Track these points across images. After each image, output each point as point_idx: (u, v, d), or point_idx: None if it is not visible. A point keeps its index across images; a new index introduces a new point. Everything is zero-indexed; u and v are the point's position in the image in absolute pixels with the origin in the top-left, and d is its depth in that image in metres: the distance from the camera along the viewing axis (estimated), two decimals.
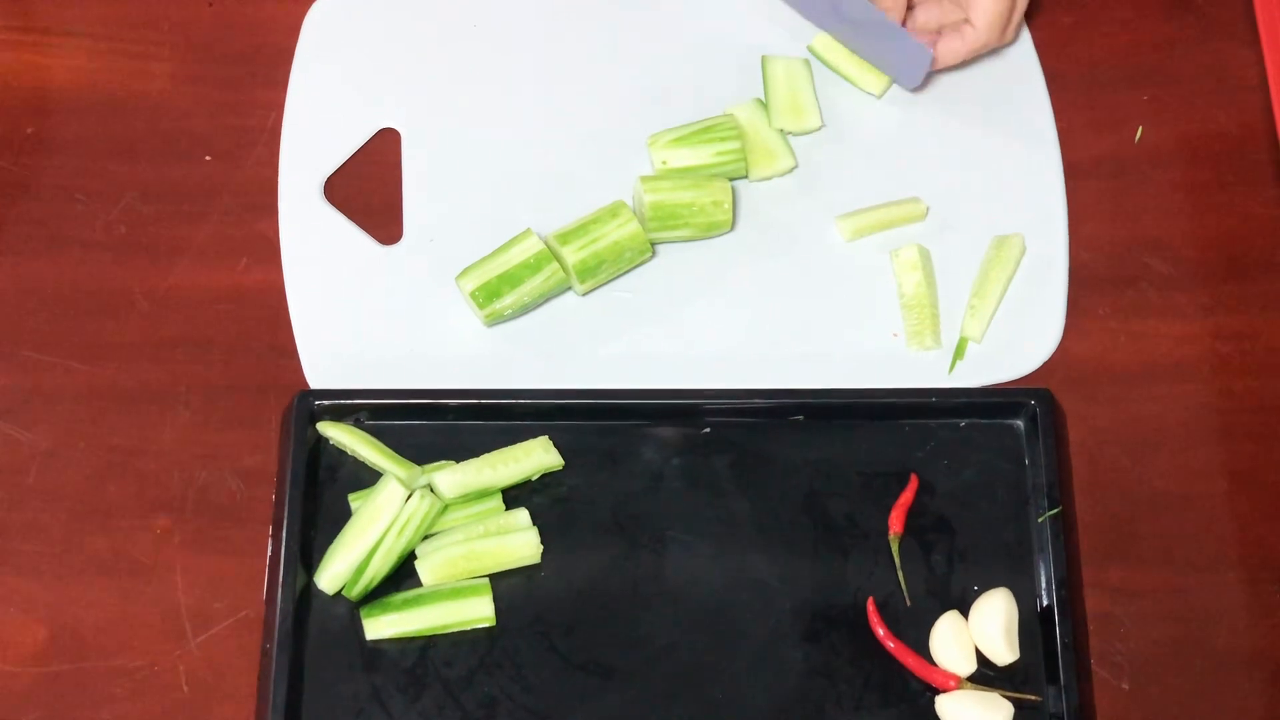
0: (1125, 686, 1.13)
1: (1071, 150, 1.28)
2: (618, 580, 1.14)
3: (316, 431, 1.17)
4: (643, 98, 1.29)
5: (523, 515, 1.15)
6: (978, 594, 1.14)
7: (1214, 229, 1.26)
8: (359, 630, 1.12)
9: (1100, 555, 1.16)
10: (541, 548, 1.14)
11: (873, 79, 1.28)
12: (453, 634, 1.13)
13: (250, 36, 1.31)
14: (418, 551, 1.14)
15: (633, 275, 1.23)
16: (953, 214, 1.26)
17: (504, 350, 1.21)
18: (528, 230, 1.20)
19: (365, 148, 1.28)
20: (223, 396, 1.19)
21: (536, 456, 1.16)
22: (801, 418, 1.18)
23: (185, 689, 1.12)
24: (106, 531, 1.16)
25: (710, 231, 1.24)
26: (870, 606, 1.13)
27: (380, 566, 1.12)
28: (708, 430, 1.18)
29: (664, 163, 1.24)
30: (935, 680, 1.11)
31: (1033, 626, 1.13)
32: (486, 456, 1.16)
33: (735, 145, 1.23)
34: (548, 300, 1.22)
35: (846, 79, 1.29)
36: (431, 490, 1.15)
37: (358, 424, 1.18)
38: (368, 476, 1.16)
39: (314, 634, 1.12)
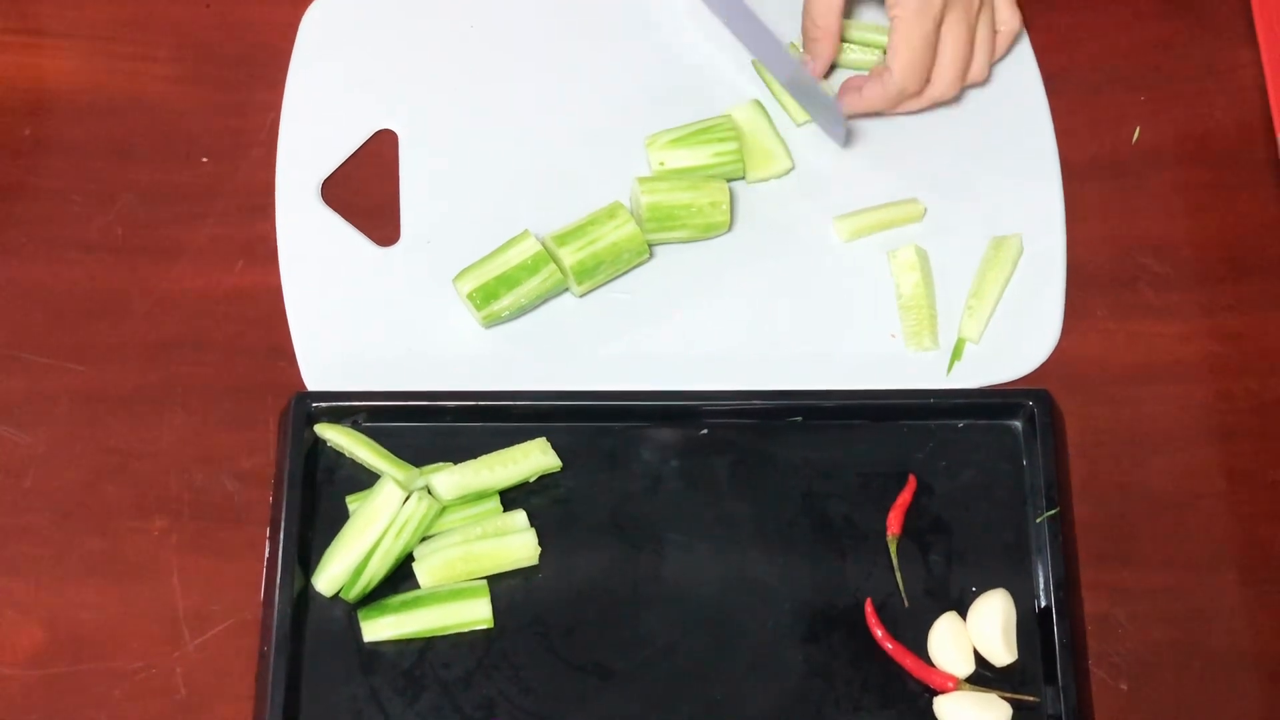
0: (1123, 687, 1.13)
1: (1069, 151, 1.28)
2: (616, 582, 1.14)
3: (314, 433, 1.17)
4: (640, 99, 1.29)
5: (521, 517, 1.15)
6: (976, 595, 1.14)
7: (1212, 229, 1.26)
8: (357, 632, 1.12)
9: (1098, 556, 1.16)
10: (539, 549, 1.14)
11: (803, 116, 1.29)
12: (451, 636, 1.13)
13: (247, 38, 1.31)
14: (415, 553, 1.14)
15: (631, 276, 1.23)
16: (950, 215, 1.26)
17: (502, 351, 1.21)
18: (525, 232, 1.20)
19: (362, 149, 1.28)
20: (220, 398, 1.19)
21: (534, 458, 1.16)
22: (800, 419, 1.18)
23: (183, 691, 1.12)
24: (104, 533, 1.15)
25: (708, 232, 1.23)
26: (868, 607, 1.13)
27: (378, 568, 1.12)
28: (706, 431, 1.18)
29: (661, 163, 1.23)
30: (933, 681, 1.11)
31: (1031, 627, 1.13)
32: (484, 458, 1.15)
33: (733, 146, 1.23)
34: (545, 301, 1.22)
35: (780, 103, 1.28)
36: (429, 492, 1.14)
37: (355, 426, 1.17)
38: (365, 478, 1.16)
39: (312, 636, 1.12)
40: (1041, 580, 1.14)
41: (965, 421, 1.18)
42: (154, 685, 1.12)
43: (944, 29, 1.22)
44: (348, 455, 1.17)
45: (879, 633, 1.12)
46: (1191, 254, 1.25)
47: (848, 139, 1.27)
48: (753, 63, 1.30)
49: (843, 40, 1.28)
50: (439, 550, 1.14)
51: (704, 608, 1.13)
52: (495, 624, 1.13)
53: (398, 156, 1.27)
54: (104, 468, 1.17)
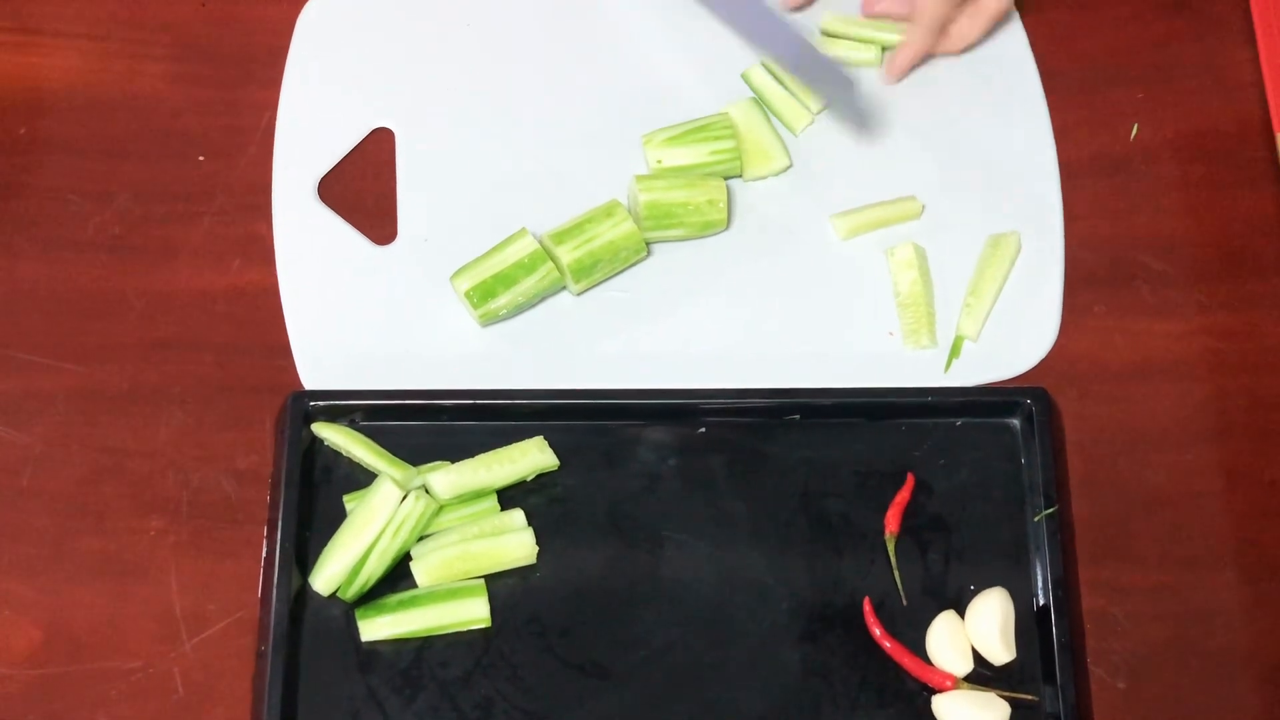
0: (1121, 685, 1.13)
1: (1067, 148, 1.28)
2: (614, 581, 1.14)
3: (311, 432, 1.17)
4: (637, 96, 1.29)
5: (518, 516, 1.15)
6: (974, 593, 1.14)
7: (1209, 227, 1.25)
8: (354, 632, 1.12)
9: (1096, 554, 1.16)
10: (537, 548, 1.14)
11: (798, 113, 1.27)
12: (448, 635, 1.12)
13: (243, 36, 1.31)
14: (413, 552, 1.14)
15: (628, 274, 1.23)
16: (948, 212, 1.26)
17: (499, 350, 1.21)
18: (522, 230, 1.20)
19: (359, 147, 1.28)
20: (217, 397, 1.19)
21: (532, 457, 1.16)
22: (797, 417, 1.18)
23: (180, 691, 1.11)
24: (100, 533, 1.15)
25: (705, 230, 1.23)
26: (866, 606, 1.13)
27: (375, 568, 1.12)
28: (703, 430, 1.18)
29: (659, 161, 1.23)
30: (932, 680, 1.11)
31: (1029, 626, 1.13)
32: (482, 457, 1.15)
33: (730, 144, 1.23)
34: (543, 300, 1.22)
35: (774, 113, 1.28)
36: (427, 491, 1.14)
37: (352, 425, 1.17)
38: (363, 477, 1.16)
39: (309, 636, 1.12)
40: (1039, 579, 1.14)
41: (963, 420, 1.18)
42: (151, 685, 1.12)
43: None
44: (345, 454, 1.17)
45: (877, 631, 1.12)
46: (1189, 252, 1.25)
47: (859, 110, 1.26)
48: (748, 72, 1.29)
49: (841, 37, 1.28)
50: (436, 549, 1.13)
51: (702, 606, 1.13)
52: (493, 623, 1.13)
53: (394, 155, 1.27)
54: (101, 467, 1.17)
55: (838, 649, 1.13)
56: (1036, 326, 1.22)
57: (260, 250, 1.24)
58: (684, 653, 1.12)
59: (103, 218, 1.25)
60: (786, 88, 1.28)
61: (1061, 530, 1.14)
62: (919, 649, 1.12)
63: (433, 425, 1.17)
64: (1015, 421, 1.18)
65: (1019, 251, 1.24)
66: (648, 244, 1.23)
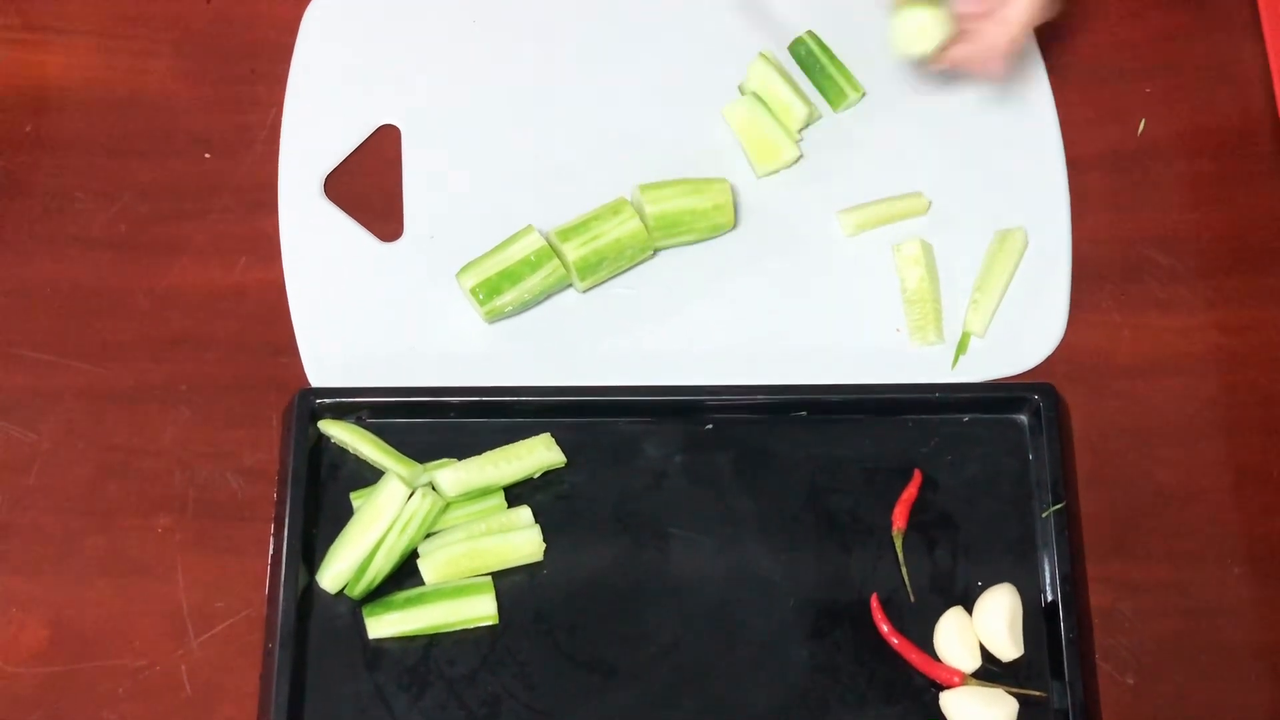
0: (1130, 681, 1.13)
1: (1074, 143, 1.28)
2: (621, 578, 1.14)
3: (318, 430, 1.17)
4: (644, 93, 1.29)
5: (525, 513, 1.15)
6: (982, 590, 1.13)
7: (1217, 221, 1.25)
8: (361, 629, 1.12)
9: (1104, 550, 1.15)
10: (544, 545, 1.14)
11: (799, 111, 1.25)
12: (455, 632, 1.12)
13: (250, 33, 1.31)
14: (420, 550, 1.14)
15: (634, 272, 1.23)
16: (955, 208, 1.25)
17: (506, 347, 1.21)
18: (529, 227, 1.20)
19: (365, 144, 1.28)
20: (223, 395, 1.19)
21: (538, 454, 1.15)
22: (804, 414, 1.18)
23: (187, 688, 1.12)
24: (107, 531, 1.15)
25: (713, 233, 1.23)
26: (874, 603, 1.13)
27: (382, 565, 1.12)
28: (710, 427, 1.18)
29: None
30: (940, 676, 1.11)
31: (1037, 622, 1.13)
32: (488, 454, 1.15)
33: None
34: (549, 297, 1.22)
35: (773, 114, 1.26)
36: (433, 488, 1.14)
37: (359, 422, 1.17)
38: (369, 475, 1.16)
39: (316, 633, 1.12)
40: (1047, 575, 1.14)
41: (970, 416, 1.18)
42: (158, 682, 1.12)
43: None
44: (351, 452, 1.17)
45: (885, 628, 1.12)
46: (1197, 247, 1.24)
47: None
48: (749, 68, 1.28)
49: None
50: (443, 547, 1.13)
51: (709, 603, 1.13)
52: (500, 620, 1.13)
53: (400, 152, 1.27)
54: (108, 465, 1.17)
55: (845, 645, 1.12)
56: (1044, 322, 1.22)
57: (266, 248, 1.24)
58: (691, 649, 1.12)
59: (109, 215, 1.25)
60: (787, 81, 1.27)
61: (1069, 526, 1.14)
62: (927, 645, 1.12)
63: (439, 422, 1.17)
64: (1023, 417, 1.18)
65: (1026, 247, 1.24)
66: (657, 250, 1.23)
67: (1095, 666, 1.13)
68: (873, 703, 1.11)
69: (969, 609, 1.13)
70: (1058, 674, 1.11)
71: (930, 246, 1.23)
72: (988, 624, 1.12)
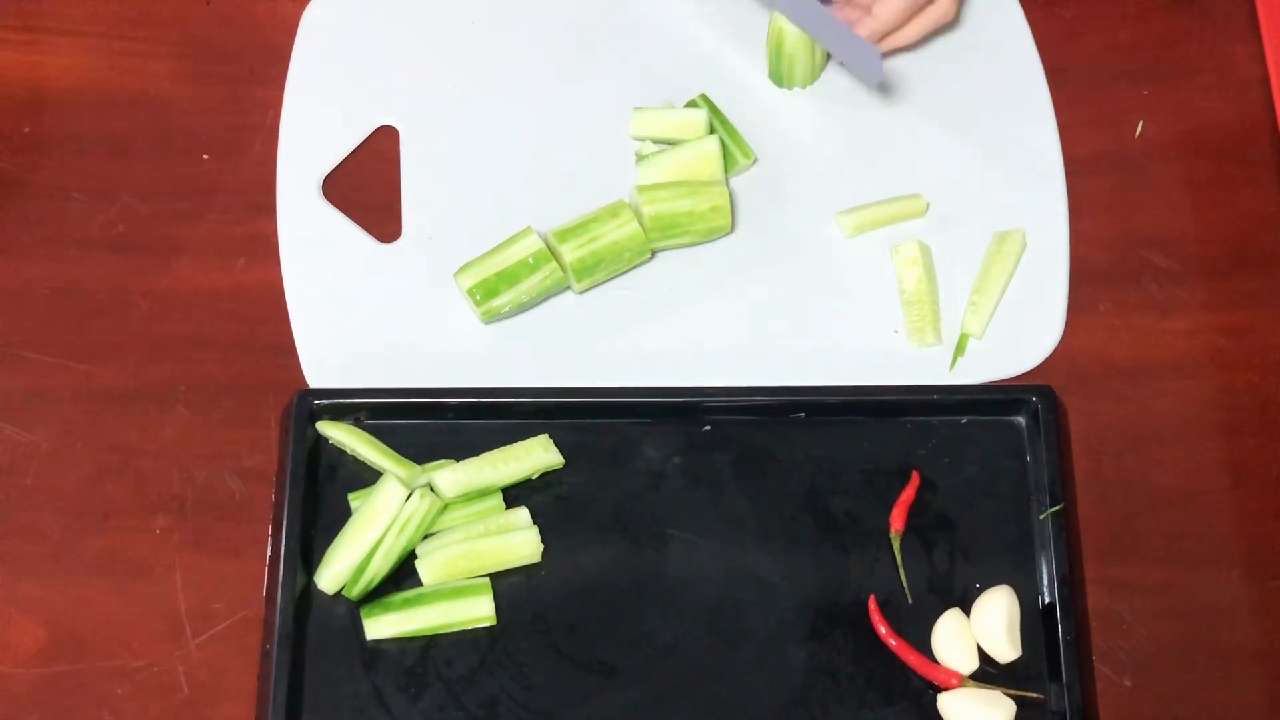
0: (1128, 683, 1.13)
1: (1072, 145, 1.28)
2: (619, 579, 1.14)
3: (316, 431, 1.17)
4: (644, 94, 1.28)
5: (523, 514, 1.15)
6: (979, 591, 1.13)
7: (1215, 224, 1.25)
8: (359, 630, 1.12)
9: (1102, 552, 1.16)
10: (542, 546, 1.14)
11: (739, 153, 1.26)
12: (454, 633, 1.12)
13: (248, 34, 1.31)
14: (418, 551, 1.14)
15: (632, 273, 1.23)
16: (953, 209, 1.25)
17: (505, 348, 1.21)
18: (528, 228, 1.20)
19: (364, 145, 1.28)
20: (222, 396, 1.19)
21: (537, 455, 1.16)
22: (802, 415, 1.18)
23: (185, 689, 1.11)
24: (106, 532, 1.15)
25: (710, 236, 1.23)
26: (872, 604, 1.13)
27: (380, 566, 1.12)
28: (708, 428, 1.18)
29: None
30: (937, 678, 1.11)
31: (1035, 624, 1.13)
32: (487, 455, 1.15)
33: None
34: (546, 299, 1.22)
35: (731, 137, 1.26)
36: (431, 489, 1.14)
37: (357, 423, 1.17)
38: (368, 476, 1.16)
39: (314, 634, 1.12)
40: (1045, 576, 1.14)
41: (968, 417, 1.18)
42: (156, 684, 1.12)
43: None
44: (350, 453, 1.17)
45: (882, 630, 1.12)
46: (1195, 249, 1.24)
47: (882, 77, 1.23)
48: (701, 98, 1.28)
49: None
50: (441, 548, 1.13)
51: (707, 605, 1.13)
52: (498, 622, 1.13)
53: (399, 152, 1.27)
54: (106, 466, 1.17)
55: (843, 647, 1.12)
56: (1042, 324, 1.22)
57: (265, 248, 1.24)
58: (689, 651, 1.12)
59: (107, 216, 1.25)
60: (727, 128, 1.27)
61: (1067, 528, 1.14)
62: (924, 647, 1.12)
63: (438, 423, 1.17)
64: (1021, 419, 1.18)
65: (1024, 249, 1.24)
66: (653, 251, 1.23)
67: (1093, 668, 1.13)
68: (870, 704, 1.11)
69: (967, 611, 1.13)
70: (1055, 676, 1.11)
71: (928, 248, 1.23)
72: (985, 626, 1.12)
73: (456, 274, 1.20)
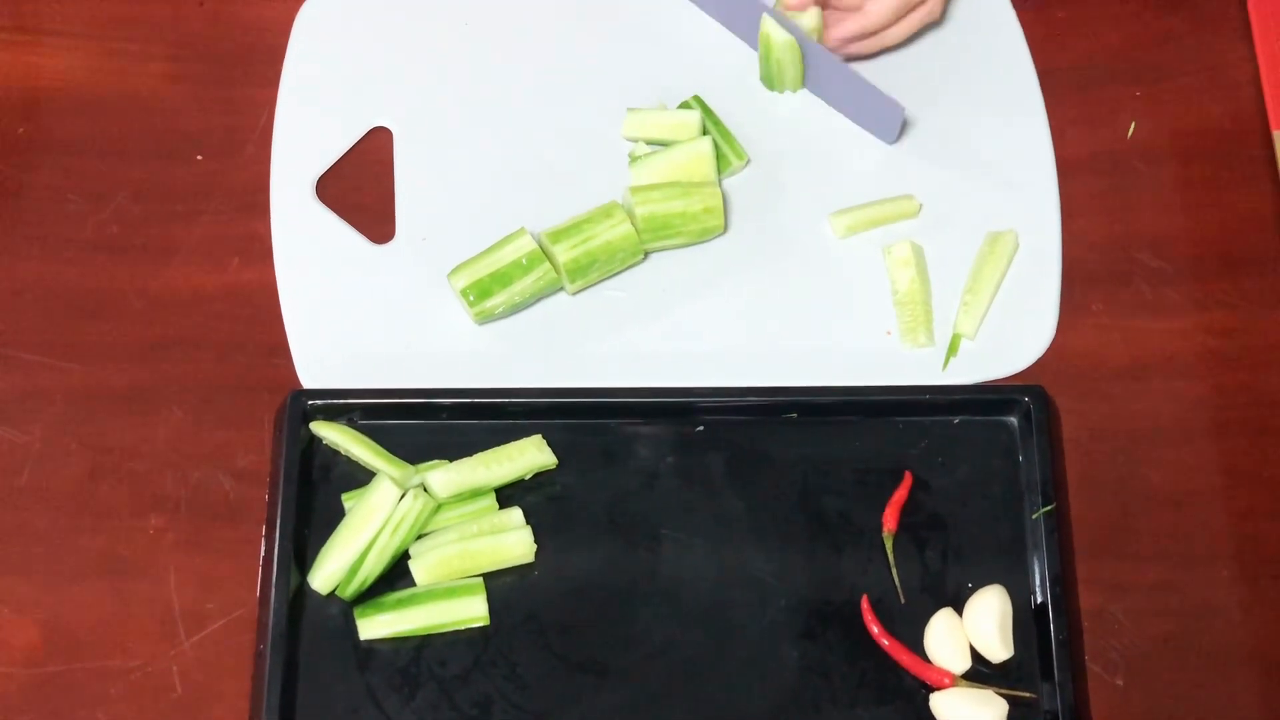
0: (1120, 683, 1.13)
1: (1064, 146, 1.28)
2: (612, 579, 1.14)
3: (310, 431, 1.17)
4: (637, 96, 1.29)
5: (516, 514, 1.15)
6: (972, 591, 1.14)
7: (1207, 224, 1.26)
8: (353, 630, 1.12)
9: (1094, 551, 1.16)
10: (535, 546, 1.14)
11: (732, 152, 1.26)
12: (447, 633, 1.13)
13: (241, 35, 1.31)
14: (411, 551, 1.14)
15: (625, 274, 1.23)
16: (946, 210, 1.26)
17: (498, 348, 1.21)
18: (521, 229, 1.20)
19: (357, 146, 1.28)
20: (216, 396, 1.19)
21: (530, 455, 1.16)
22: (795, 415, 1.18)
23: (179, 689, 1.12)
24: (99, 532, 1.15)
25: (703, 237, 1.23)
26: (865, 604, 1.13)
27: (374, 566, 1.12)
28: (701, 428, 1.18)
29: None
30: (930, 678, 1.11)
31: (1027, 623, 1.13)
32: (480, 455, 1.15)
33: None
34: (540, 299, 1.22)
35: (723, 138, 1.26)
36: (425, 489, 1.14)
37: (351, 423, 1.17)
38: (361, 476, 1.16)
39: (308, 634, 1.12)
40: (1037, 576, 1.14)
41: (961, 418, 1.18)
42: (150, 683, 1.12)
43: None
44: (343, 453, 1.17)
45: (875, 629, 1.12)
46: (1187, 250, 1.25)
47: (898, 134, 1.25)
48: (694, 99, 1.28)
49: None
50: (435, 548, 1.14)
51: (700, 604, 1.13)
52: (491, 621, 1.13)
53: (392, 153, 1.27)
54: (99, 466, 1.17)
55: (836, 647, 1.13)
56: (1034, 324, 1.22)
57: (258, 249, 1.24)
58: (682, 651, 1.12)
59: (101, 217, 1.25)
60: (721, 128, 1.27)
61: (1059, 528, 1.14)
62: (917, 647, 1.12)
63: (431, 424, 1.17)
64: (1013, 419, 1.18)
65: (1016, 249, 1.24)
66: (646, 253, 1.23)
67: (1085, 668, 1.13)
68: (863, 704, 1.11)
69: (959, 610, 1.13)
70: (1047, 675, 1.11)
71: (921, 249, 1.24)
72: (978, 625, 1.12)
73: (450, 275, 1.20)
